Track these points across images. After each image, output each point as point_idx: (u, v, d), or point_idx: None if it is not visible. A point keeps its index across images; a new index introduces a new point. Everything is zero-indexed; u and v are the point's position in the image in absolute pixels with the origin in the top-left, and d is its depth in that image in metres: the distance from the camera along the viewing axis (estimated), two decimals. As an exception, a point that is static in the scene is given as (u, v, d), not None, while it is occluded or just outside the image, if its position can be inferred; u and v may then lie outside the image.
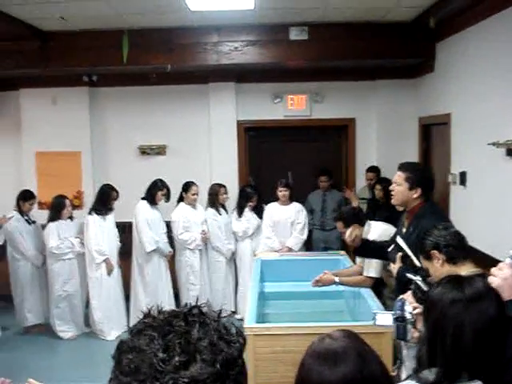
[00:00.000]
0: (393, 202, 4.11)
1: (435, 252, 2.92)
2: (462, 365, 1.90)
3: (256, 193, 7.52)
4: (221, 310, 1.12)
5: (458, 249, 2.92)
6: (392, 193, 4.03)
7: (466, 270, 2.77)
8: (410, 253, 3.81)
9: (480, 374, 1.89)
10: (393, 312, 2.77)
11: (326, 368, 1.58)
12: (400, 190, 3.94)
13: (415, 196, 3.89)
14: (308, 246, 7.60)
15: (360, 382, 1.58)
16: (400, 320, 2.67)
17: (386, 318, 2.88)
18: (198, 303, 1.12)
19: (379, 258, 4.55)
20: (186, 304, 1.12)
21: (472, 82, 5.86)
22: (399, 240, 3.99)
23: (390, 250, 4.16)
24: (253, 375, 3.92)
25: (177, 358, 0.97)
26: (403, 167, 4.01)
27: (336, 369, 1.57)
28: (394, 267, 3.93)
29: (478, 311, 1.94)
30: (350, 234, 4.94)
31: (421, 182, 3.91)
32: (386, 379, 1.70)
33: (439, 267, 2.89)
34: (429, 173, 4.17)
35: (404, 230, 3.99)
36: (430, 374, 1.93)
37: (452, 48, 6.43)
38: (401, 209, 6.36)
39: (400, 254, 3.89)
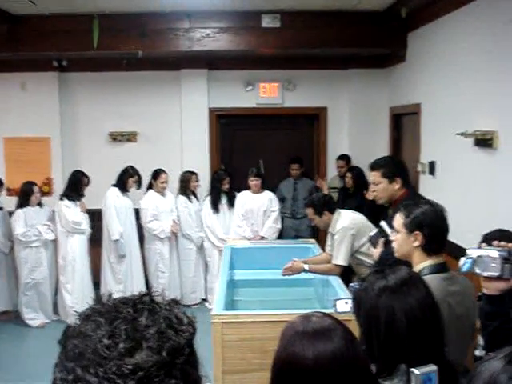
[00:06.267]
0: (379, 202, 4.05)
1: (419, 234, 2.74)
2: (398, 353, 1.95)
3: (227, 174, 7.50)
4: (175, 300, 1.11)
5: (441, 244, 2.77)
6: (374, 194, 4.00)
7: (432, 260, 2.73)
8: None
9: (417, 361, 1.93)
10: (351, 297, 2.82)
11: (321, 343, 1.58)
12: (381, 187, 3.89)
13: (397, 187, 3.86)
14: (279, 234, 7.61)
15: (351, 359, 1.60)
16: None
17: (345, 305, 2.94)
18: (158, 293, 1.11)
19: None
20: (140, 292, 1.12)
21: (442, 72, 5.91)
22: (383, 224, 3.96)
23: (371, 234, 4.16)
24: (220, 362, 3.94)
25: (122, 345, 0.96)
26: (375, 166, 3.97)
27: (330, 344, 1.58)
28: (376, 251, 3.92)
29: (406, 296, 2.00)
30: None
31: (397, 170, 3.90)
32: (368, 364, 1.73)
33: (412, 246, 2.75)
34: (397, 159, 4.17)
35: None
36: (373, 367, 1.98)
37: (423, 38, 6.46)
38: (370, 197, 6.44)
39: (383, 239, 3.89)
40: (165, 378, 0.96)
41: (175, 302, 1.10)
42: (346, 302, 3.01)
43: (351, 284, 3.08)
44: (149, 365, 0.95)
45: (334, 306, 3.23)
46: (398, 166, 4.02)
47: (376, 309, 2.00)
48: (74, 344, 0.99)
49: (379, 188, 3.91)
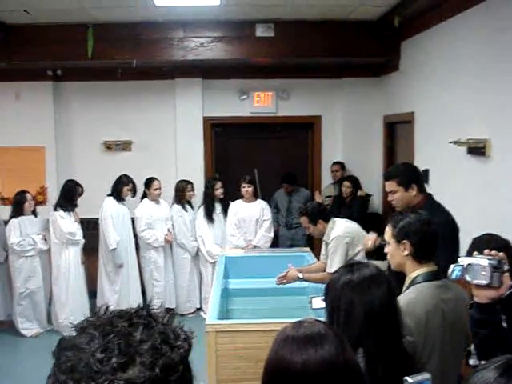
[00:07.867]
0: (398, 209, 4.04)
1: (406, 243, 2.76)
2: (355, 339, 2.05)
3: (220, 180, 7.48)
4: (172, 313, 1.10)
5: (430, 251, 2.78)
6: (393, 203, 3.96)
7: (425, 268, 2.74)
8: None
9: (374, 348, 2.08)
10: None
11: (310, 349, 1.59)
12: (398, 196, 3.83)
13: (414, 193, 3.82)
14: (274, 243, 7.60)
15: (341, 365, 1.60)
16: None
17: (320, 302, 3.00)
18: (154, 303, 1.10)
19: None
20: (139, 305, 1.10)
21: (435, 81, 5.93)
22: None
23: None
24: (214, 372, 3.93)
25: (114, 360, 0.95)
26: (389, 176, 3.91)
27: (320, 349, 1.59)
28: None
29: (366, 292, 2.16)
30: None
31: (412, 177, 3.85)
32: (359, 369, 1.74)
33: (403, 255, 2.78)
34: (411, 165, 4.12)
35: None
36: None
37: (416, 47, 6.50)
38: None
39: None
40: None
41: (172, 315, 1.09)
42: (322, 300, 3.05)
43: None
44: (141, 381, 0.94)
45: (310, 303, 3.28)
46: (412, 172, 3.96)
47: (338, 299, 2.17)
48: (67, 356, 0.99)
49: (396, 197, 3.85)
